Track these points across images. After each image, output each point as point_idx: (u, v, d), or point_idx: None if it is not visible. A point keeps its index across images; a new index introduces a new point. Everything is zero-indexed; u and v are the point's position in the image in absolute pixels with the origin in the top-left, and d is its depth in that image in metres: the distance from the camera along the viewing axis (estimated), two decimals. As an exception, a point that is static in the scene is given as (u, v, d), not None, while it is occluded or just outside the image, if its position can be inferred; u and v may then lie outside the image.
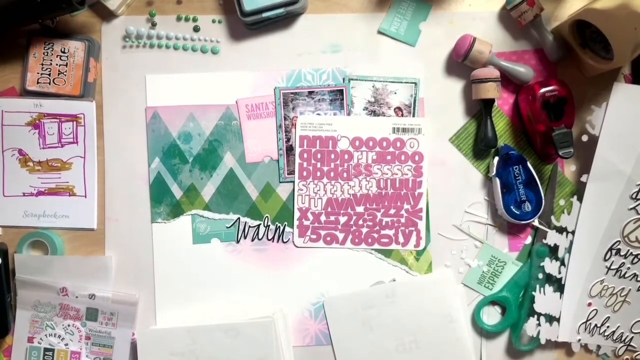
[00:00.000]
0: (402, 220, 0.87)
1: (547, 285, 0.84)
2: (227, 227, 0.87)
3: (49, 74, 0.85)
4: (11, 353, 0.86)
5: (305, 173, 0.87)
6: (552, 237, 0.84)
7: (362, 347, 0.85)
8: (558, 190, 0.87)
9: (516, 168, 0.84)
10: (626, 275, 0.85)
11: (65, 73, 0.85)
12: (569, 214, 0.85)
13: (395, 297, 0.85)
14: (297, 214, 0.87)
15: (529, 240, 0.87)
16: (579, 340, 0.85)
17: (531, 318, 0.84)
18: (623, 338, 0.85)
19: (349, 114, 0.87)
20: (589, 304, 0.85)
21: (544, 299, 0.84)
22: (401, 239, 0.87)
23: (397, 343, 0.85)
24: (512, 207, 0.84)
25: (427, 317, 0.85)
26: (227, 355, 0.83)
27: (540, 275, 0.85)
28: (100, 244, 0.87)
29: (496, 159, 0.85)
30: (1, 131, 0.86)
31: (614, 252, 0.84)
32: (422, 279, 0.86)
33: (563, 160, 0.87)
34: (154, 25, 0.88)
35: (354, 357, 0.85)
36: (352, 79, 0.87)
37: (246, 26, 0.87)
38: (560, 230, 0.85)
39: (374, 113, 0.87)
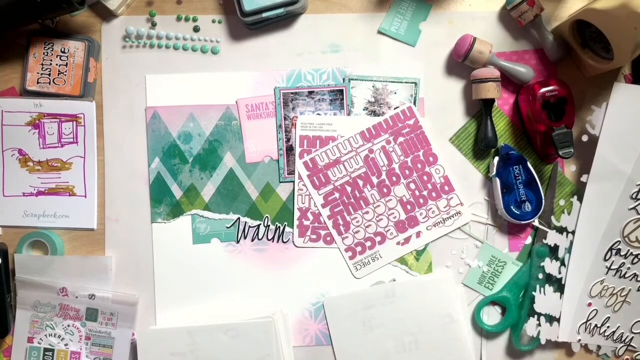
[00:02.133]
0: (402, 220, 0.87)
1: (547, 285, 0.84)
2: (227, 227, 0.87)
3: (49, 74, 0.85)
4: (11, 353, 0.86)
5: (305, 173, 0.87)
6: (552, 237, 0.84)
7: (362, 347, 0.85)
8: (558, 190, 0.87)
9: (516, 168, 0.84)
10: (626, 275, 0.85)
11: (65, 73, 0.85)
12: (569, 214, 0.85)
13: (395, 297, 0.85)
14: (297, 214, 0.87)
15: (529, 240, 0.87)
16: (579, 340, 0.85)
17: (531, 318, 0.84)
18: (623, 338, 0.85)
19: (349, 114, 0.87)
20: (589, 304, 0.85)
21: (544, 299, 0.84)
22: (401, 239, 0.87)
23: (397, 343, 0.85)
24: (512, 207, 0.84)
25: (427, 317, 0.85)
26: (227, 355, 0.83)
27: (540, 275, 0.85)
28: (100, 244, 0.87)
29: (496, 159, 0.85)
30: (1, 131, 0.86)
31: (614, 252, 0.84)
32: (422, 279, 0.86)
33: (563, 160, 0.87)
34: (154, 25, 0.88)
35: (354, 357, 0.85)
36: (352, 79, 0.87)
37: (246, 26, 0.87)
38: (560, 230, 0.85)
39: (374, 113, 0.87)
